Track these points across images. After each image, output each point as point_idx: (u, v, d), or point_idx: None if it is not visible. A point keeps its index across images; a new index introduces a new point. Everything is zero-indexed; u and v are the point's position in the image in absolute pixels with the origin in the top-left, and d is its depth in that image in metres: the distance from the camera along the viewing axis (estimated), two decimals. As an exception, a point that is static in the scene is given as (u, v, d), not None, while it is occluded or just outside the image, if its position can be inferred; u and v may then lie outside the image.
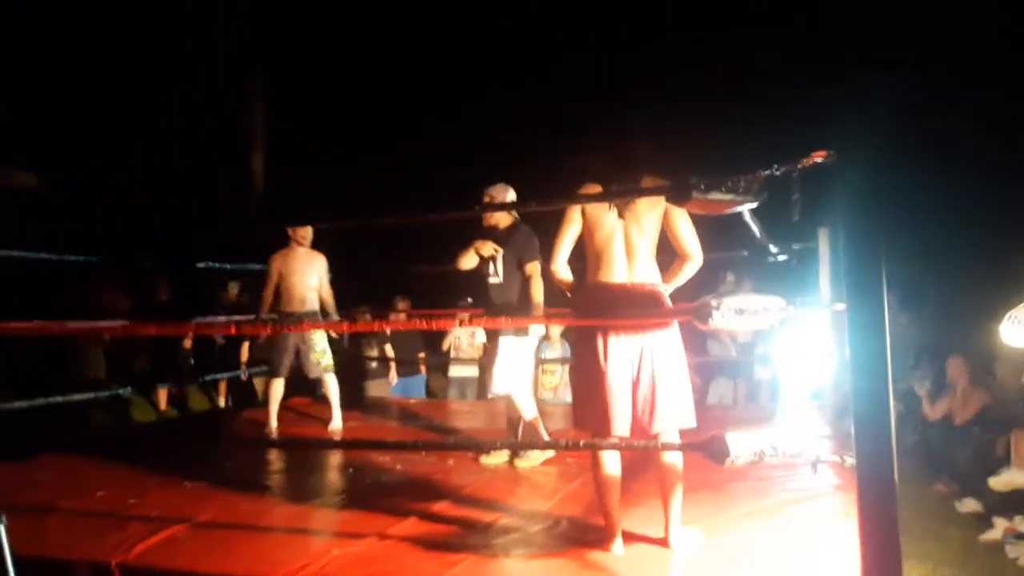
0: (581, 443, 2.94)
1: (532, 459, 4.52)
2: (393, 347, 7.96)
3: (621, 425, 2.97)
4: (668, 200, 2.99)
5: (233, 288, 9.51)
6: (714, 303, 2.54)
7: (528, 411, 4.56)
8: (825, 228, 5.72)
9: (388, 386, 7.93)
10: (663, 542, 3.03)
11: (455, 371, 8.07)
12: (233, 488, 4.02)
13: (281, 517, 3.49)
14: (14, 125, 9.57)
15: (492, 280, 4.64)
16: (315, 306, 5.59)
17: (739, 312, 2.58)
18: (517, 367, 4.52)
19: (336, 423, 5.70)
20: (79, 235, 9.22)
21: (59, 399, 5.23)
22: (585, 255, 3.15)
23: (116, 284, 9.03)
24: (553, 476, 4.24)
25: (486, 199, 4.62)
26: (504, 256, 4.58)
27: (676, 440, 3.03)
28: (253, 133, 12.15)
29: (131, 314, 8.72)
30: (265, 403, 5.70)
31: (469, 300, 8.06)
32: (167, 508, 3.58)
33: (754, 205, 3.06)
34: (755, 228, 4.63)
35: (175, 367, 8.85)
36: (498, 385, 4.51)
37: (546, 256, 3.25)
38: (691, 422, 3.03)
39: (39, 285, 8.24)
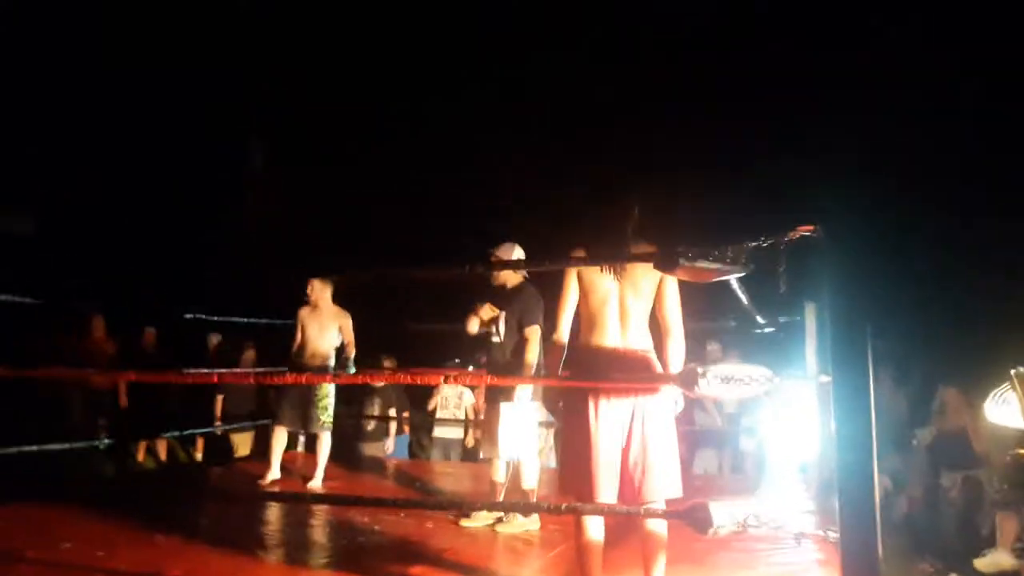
0: (563, 507, 2.89)
1: (515, 525, 4.43)
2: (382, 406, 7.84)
3: (607, 491, 2.93)
4: (656, 267, 3.01)
5: (213, 339, 9.44)
6: (700, 370, 2.54)
7: (530, 479, 4.46)
8: (812, 302, 5.77)
9: (383, 448, 7.68)
10: None
11: (439, 432, 7.96)
12: (206, 544, 3.93)
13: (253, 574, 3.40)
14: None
15: (494, 340, 4.61)
16: (328, 362, 5.70)
17: (725, 380, 2.57)
18: (523, 433, 4.36)
19: (317, 481, 5.61)
20: (63, 280, 9.19)
21: (32, 448, 5.14)
22: (579, 318, 3.14)
23: (102, 332, 8.96)
24: (534, 543, 4.17)
25: (492, 259, 4.60)
26: (506, 316, 4.55)
27: (661, 508, 2.97)
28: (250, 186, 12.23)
29: (117, 363, 8.66)
30: (241, 458, 5.66)
31: (457, 360, 8.06)
32: (136, 563, 3.50)
33: (741, 275, 3.09)
34: (743, 297, 4.66)
35: (156, 419, 8.73)
36: (504, 451, 4.38)
37: (551, 325, 3.25)
38: (678, 492, 2.99)
39: (22, 330, 8.17)
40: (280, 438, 5.63)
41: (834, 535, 2.15)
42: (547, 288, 4.45)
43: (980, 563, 4.98)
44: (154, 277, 10.63)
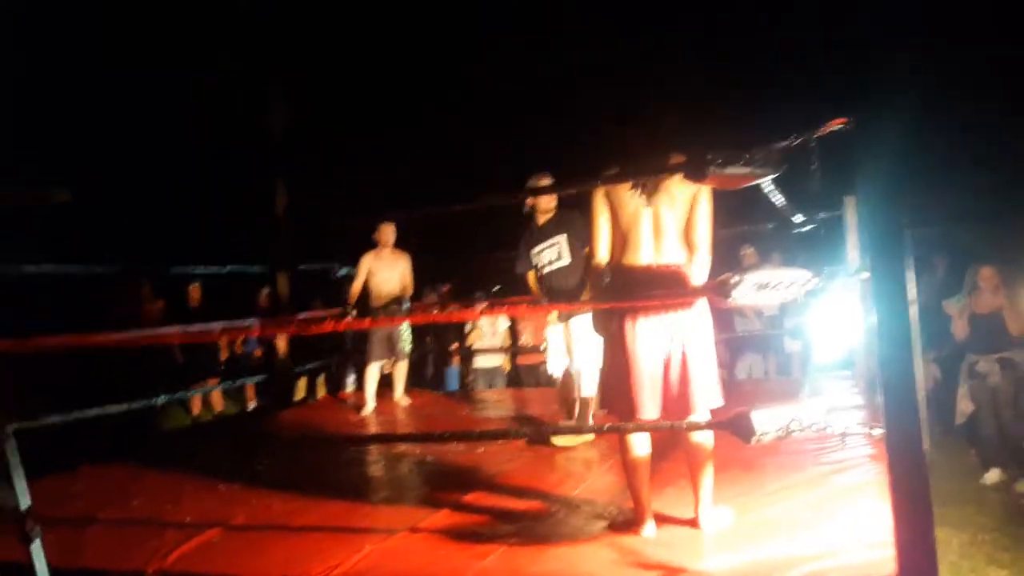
0: (605, 427, 2.92)
1: (571, 439, 4.57)
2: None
3: (650, 407, 2.95)
4: (685, 177, 2.95)
5: (263, 293, 9.55)
6: (734, 279, 2.50)
7: (588, 388, 4.61)
8: (852, 196, 5.64)
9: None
10: (694, 522, 3.01)
11: (480, 362, 8.06)
12: (266, 489, 4.04)
13: (314, 516, 3.50)
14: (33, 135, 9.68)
15: (557, 266, 4.76)
16: (398, 301, 6.24)
17: (761, 287, 2.54)
18: (587, 345, 4.51)
19: (402, 396, 6.42)
20: (100, 245, 9.33)
21: (94, 411, 5.30)
22: (613, 238, 3.12)
23: (148, 291, 9.12)
24: (580, 461, 4.22)
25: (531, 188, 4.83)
26: (568, 240, 4.74)
27: (705, 419, 2.98)
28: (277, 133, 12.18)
29: (165, 320, 8.84)
30: (301, 401, 6.17)
31: (498, 287, 8.13)
32: (202, 513, 3.61)
33: (773, 177, 3.01)
34: (778, 199, 4.56)
35: (207, 372, 8.96)
36: (578, 363, 4.64)
37: (589, 249, 3.25)
38: (719, 401, 3.00)
39: (68, 297, 8.35)
40: (374, 373, 6.22)
41: (878, 431, 2.13)
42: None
43: None
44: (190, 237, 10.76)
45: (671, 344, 2.95)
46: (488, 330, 7.96)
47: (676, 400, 2.96)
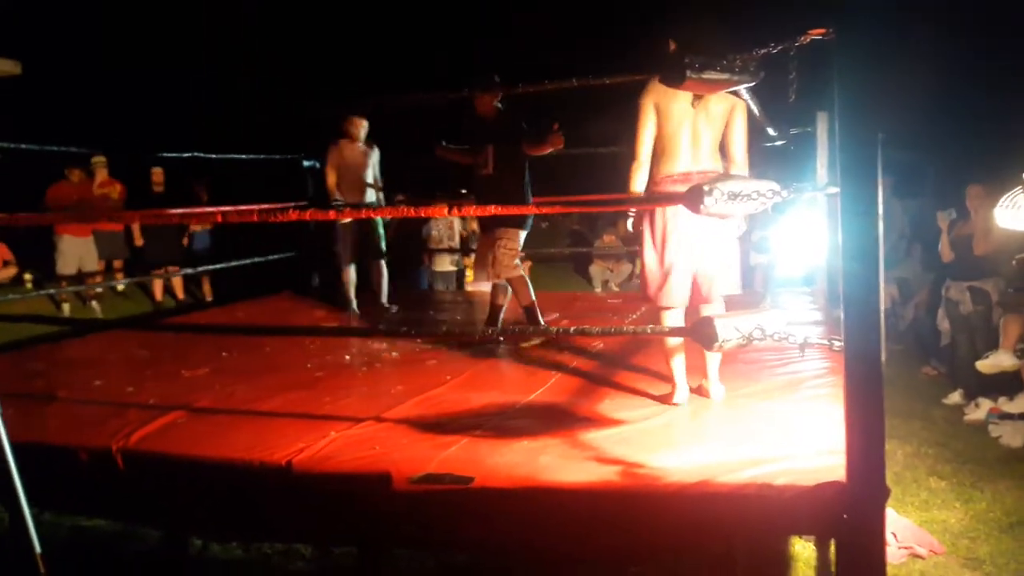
0: (572, 330, 2.95)
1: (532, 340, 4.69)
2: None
3: (680, 294, 3.36)
4: (662, 80, 3.03)
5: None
6: (707, 188, 2.50)
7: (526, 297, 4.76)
8: (824, 112, 5.63)
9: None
10: (700, 391, 3.47)
11: (438, 264, 8.07)
12: (230, 377, 4.07)
13: (279, 403, 3.53)
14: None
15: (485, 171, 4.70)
16: (372, 196, 5.96)
17: (732, 197, 2.54)
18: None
19: (387, 300, 6.07)
20: (62, 124, 9.03)
21: (51, 291, 5.25)
22: (653, 146, 3.34)
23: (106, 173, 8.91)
24: (545, 362, 4.28)
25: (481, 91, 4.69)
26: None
27: (721, 308, 3.33)
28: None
29: (127, 205, 8.67)
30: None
31: (464, 192, 8.05)
32: (164, 396, 3.62)
33: (750, 84, 2.99)
34: (754, 109, 4.54)
35: (168, 259, 8.84)
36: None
37: (631, 152, 3.42)
38: (737, 289, 3.56)
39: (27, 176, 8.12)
40: (351, 276, 5.97)
41: (839, 344, 2.18)
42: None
43: (982, 364, 5.10)
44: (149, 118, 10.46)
45: (699, 240, 3.27)
46: (445, 233, 7.94)
47: (705, 290, 3.35)
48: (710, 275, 3.34)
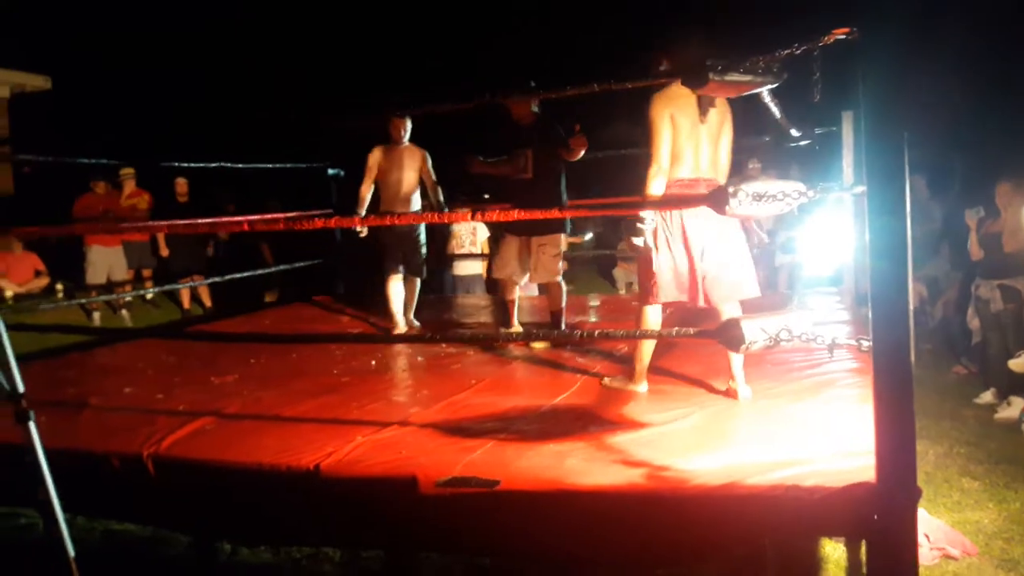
0: (596, 333, 2.95)
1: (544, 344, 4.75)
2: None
3: (674, 294, 3.53)
4: (683, 83, 3.14)
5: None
6: (731, 189, 2.49)
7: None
8: (849, 112, 5.58)
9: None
10: (729, 393, 3.49)
11: (459, 269, 8.07)
12: (258, 383, 4.10)
13: (306, 409, 3.56)
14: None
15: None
16: (418, 204, 5.43)
17: (757, 198, 2.53)
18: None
19: (410, 320, 5.57)
20: (90, 137, 9.18)
21: (81, 301, 5.32)
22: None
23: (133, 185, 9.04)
24: (572, 365, 4.28)
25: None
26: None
27: (738, 311, 3.42)
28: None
29: (152, 215, 8.80)
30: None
31: (487, 197, 8.04)
32: (194, 403, 3.66)
33: (774, 86, 2.97)
34: (776, 111, 4.51)
35: (199, 267, 8.95)
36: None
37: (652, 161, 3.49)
38: (756, 292, 3.59)
39: (57, 188, 8.27)
40: (396, 287, 5.35)
41: (867, 344, 2.16)
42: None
43: (1014, 363, 5.02)
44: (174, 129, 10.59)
45: (711, 244, 3.43)
46: (467, 238, 7.93)
47: (713, 291, 3.48)
48: (724, 279, 3.47)
